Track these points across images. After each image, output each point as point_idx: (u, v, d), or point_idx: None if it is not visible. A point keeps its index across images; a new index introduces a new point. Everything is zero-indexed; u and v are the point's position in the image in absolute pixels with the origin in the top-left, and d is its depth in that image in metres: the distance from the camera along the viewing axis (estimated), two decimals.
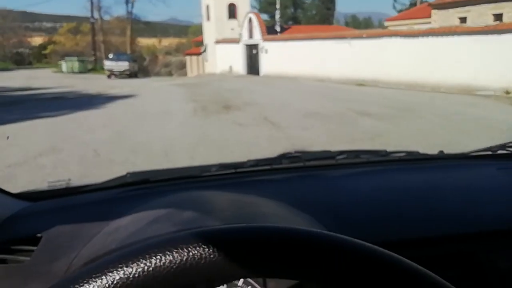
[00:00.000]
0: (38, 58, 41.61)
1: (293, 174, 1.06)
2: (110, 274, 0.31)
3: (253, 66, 20.34)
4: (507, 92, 9.88)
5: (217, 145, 5.39)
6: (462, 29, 11.41)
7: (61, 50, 36.05)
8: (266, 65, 19.18)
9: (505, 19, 13.52)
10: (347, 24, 50.86)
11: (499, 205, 0.85)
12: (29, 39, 47.16)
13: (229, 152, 4.96)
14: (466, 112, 7.51)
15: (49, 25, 68.05)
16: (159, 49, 41.83)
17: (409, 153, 1.21)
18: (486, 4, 15.01)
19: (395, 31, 14.19)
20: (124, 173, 0.99)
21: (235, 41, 21.47)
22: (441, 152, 1.28)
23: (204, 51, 24.92)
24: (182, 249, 0.32)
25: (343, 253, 0.33)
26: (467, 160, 1.21)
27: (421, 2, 26.20)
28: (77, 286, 0.30)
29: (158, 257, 0.32)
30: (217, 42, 23.05)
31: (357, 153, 1.16)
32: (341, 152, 1.14)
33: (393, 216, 0.81)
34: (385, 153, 1.17)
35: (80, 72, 27.38)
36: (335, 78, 14.74)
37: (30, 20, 66.18)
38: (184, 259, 0.32)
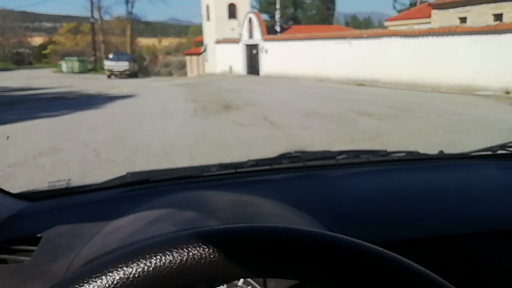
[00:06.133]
0: (38, 58, 41.59)
1: (293, 174, 1.06)
2: (110, 274, 0.31)
3: (253, 66, 20.33)
4: (507, 92, 9.88)
5: (217, 145, 5.39)
6: (462, 29, 11.40)
7: (61, 50, 36.05)
8: (266, 65, 19.18)
9: (505, 19, 13.52)
10: (347, 24, 50.85)
11: (499, 205, 0.85)
12: (29, 39, 47.13)
13: (229, 152, 4.96)
14: (466, 112, 7.51)
15: (49, 25, 68.00)
16: (159, 49, 41.82)
17: (409, 153, 1.21)
18: (486, 4, 15.01)
19: (395, 31, 14.18)
20: (124, 173, 0.99)
21: (235, 41, 21.47)
22: (441, 152, 1.28)
23: (204, 51, 24.92)
24: (182, 249, 0.32)
25: (344, 253, 0.33)
26: (467, 160, 1.21)
27: (421, 2, 26.21)
28: (77, 286, 0.30)
29: (158, 257, 0.32)
30: (217, 42, 23.05)
31: (357, 153, 1.16)
32: (341, 152, 1.14)
33: (393, 216, 0.81)
34: (385, 153, 1.17)
35: (80, 72, 27.38)
36: (335, 78, 14.74)
37: (30, 20, 66.16)
38: (184, 259, 0.32)
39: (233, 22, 23.11)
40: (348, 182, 1.02)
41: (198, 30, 30.47)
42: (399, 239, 0.72)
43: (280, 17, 26.08)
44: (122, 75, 22.49)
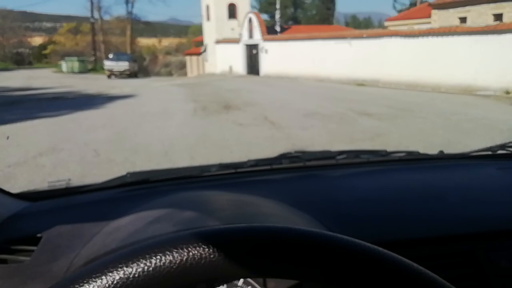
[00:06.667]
0: (38, 58, 41.59)
1: (293, 174, 1.06)
2: (110, 274, 0.31)
3: (253, 66, 20.33)
4: (507, 92, 9.88)
5: (217, 145, 5.39)
6: (462, 29, 11.41)
7: (61, 50, 36.05)
8: (266, 65, 19.18)
9: (505, 19, 13.52)
10: (347, 24, 50.84)
11: (499, 205, 0.85)
12: (29, 39, 47.12)
13: (229, 152, 4.96)
14: (466, 112, 7.51)
15: (49, 25, 68.00)
16: (159, 49, 41.82)
17: (409, 153, 1.21)
18: (486, 4, 15.01)
19: (395, 31, 14.18)
20: (124, 173, 0.99)
21: (235, 41, 21.47)
22: (441, 152, 1.28)
23: (204, 51, 24.92)
24: (182, 249, 0.32)
25: (344, 253, 0.33)
26: (467, 160, 1.21)
27: (421, 2, 26.21)
28: (77, 286, 0.30)
29: (158, 257, 0.32)
30: (217, 42, 23.05)
31: (357, 153, 1.16)
32: (341, 152, 1.14)
33: (393, 216, 0.81)
34: (385, 153, 1.17)
35: (80, 72, 27.39)
36: (335, 78, 14.74)
37: (30, 20, 66.16)
38: (184, 259, 0.32)
39: (233, 22, 23.11)
40: (348, 182, 1.02)
41: (198, 30, 30.48)
42: (399, 239, 0.72)
43: (280, 17, 26.08)
44: (122, 75, 22.49)
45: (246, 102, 9.63)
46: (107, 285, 0.30)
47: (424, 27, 13.49)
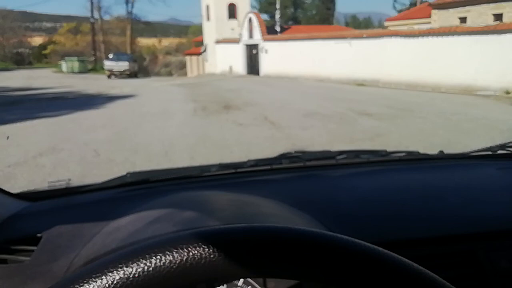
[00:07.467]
0: (38, 58, 41.59)
1: (293, 174, 1.06)
2: (110, 274, 0.31)
3: (253, 66, 20.33)
4: (507, 92, 9.88)
5: (217, 145, 5.39)
6: (462, 29, 11.40)
7: (61, 50, 36.05)
8: (266, 65, 19.18)
9: (505, 19, 13.52)
10: (347, 24, 50.83)
11: (499, 205, 0.85)
12: (29, 39, 47.13)
13: (229, 152, 4.96)
14: (466, 112, 7.51)
15: (49, 25, 68.02)
16: (159, 49, 41.83)
17: (409, 153, 1.21)
18: (486, 4, 15.01)
19: (395, 31, 14.18)
20: (124, 173, 0.99)
21: (235, 41, 21.47)
22: (441, 152, 1.28)
23: (204, 51, 24.92)
24: (182, 249, 0.32)
25: (344, 253, 0.33)
26: (467, 160, 1.21)
27: (421, 2, 26.21)
28: (77, 286, 0.30)
29: (158, 257, 0.32)
30: (217, 42, 23.05)
31: (357, 153, 1.16)
32: (341, 152, 1.14)
33: (393, 216, 0.81)
34: (385, 153, 1.17)
35: (80, 72, 27.39)
36: (335, 78, 14.74)
37: (30, 20, 66.17)
38: (184, 259, 0.32)
39: (233, 22, 23.11)
40: (348, 182, 1.02)
41: (198, 30, 30.48)
42: (399, 239, 0.72)
43: (280, 17, 26.08)
44: (122, 75, 22.49)
45: (246, 102, 9.63)
46: (107, 285, 0.30)
47: (424, 27, 13.49)
